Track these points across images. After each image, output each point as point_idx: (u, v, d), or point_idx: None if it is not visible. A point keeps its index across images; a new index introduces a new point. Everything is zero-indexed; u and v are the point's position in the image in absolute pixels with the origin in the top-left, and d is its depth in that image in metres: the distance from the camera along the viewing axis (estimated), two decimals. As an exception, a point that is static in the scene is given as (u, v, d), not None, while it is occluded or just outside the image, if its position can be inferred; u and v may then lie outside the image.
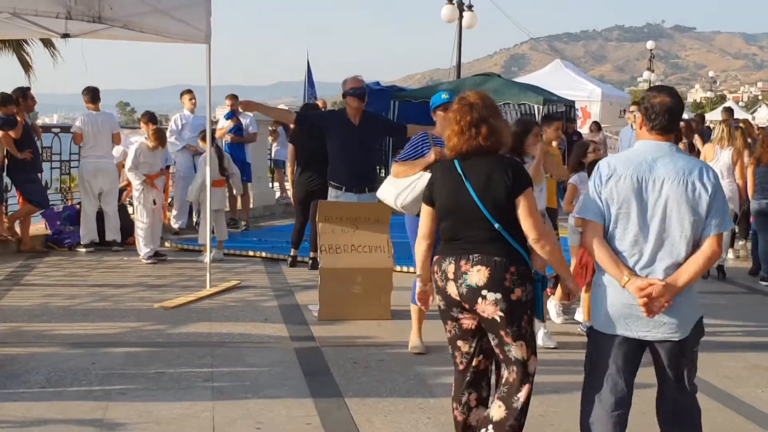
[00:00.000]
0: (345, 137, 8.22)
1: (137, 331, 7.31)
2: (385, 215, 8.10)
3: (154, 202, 10.63)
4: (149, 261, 10.36)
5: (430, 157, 6.28)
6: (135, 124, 16.87)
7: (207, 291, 8.74)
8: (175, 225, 12.86)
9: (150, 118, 11.60)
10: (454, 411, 4.50)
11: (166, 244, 11.57)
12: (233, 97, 13.75)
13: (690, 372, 4.11)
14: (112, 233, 11.35)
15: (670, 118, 4.01)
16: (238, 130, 13.54)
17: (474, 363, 4.44)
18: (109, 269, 10.08)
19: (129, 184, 11.40)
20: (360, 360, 6.54)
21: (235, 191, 11.52)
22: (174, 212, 13.01)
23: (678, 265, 3.92)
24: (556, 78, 26.62)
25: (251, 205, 14.56)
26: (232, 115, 13.43)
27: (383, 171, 15.74)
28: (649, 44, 54.64)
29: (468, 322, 4.36)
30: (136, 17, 7.85)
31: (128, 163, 10.63)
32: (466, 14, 24.95)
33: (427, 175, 5.47)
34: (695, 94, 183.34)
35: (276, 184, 17.10)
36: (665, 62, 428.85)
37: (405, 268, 9.68)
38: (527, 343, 4.27)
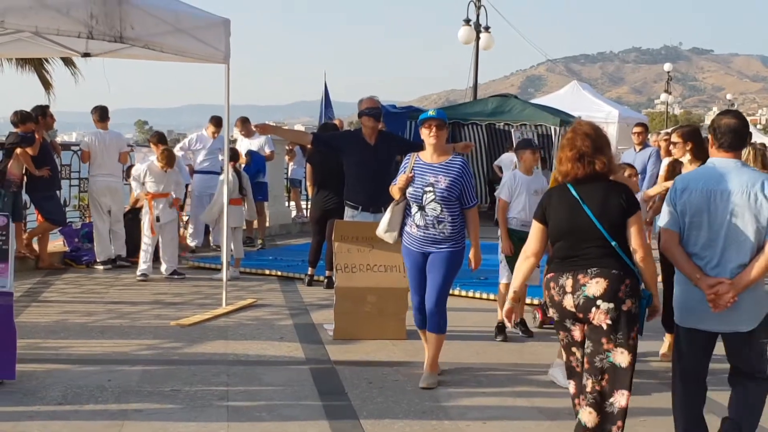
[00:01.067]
0: (361, 157, 8.25)
1: (153, 348, 7.33)
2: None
3: (158, 219, 10.66)
4: (141, 278, 10.45)
5: (396, 186, 6.54)
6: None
7: (223, 309, 8.76)
8: (191, 243, 12.91)
9: (159, 138, 11.61)
10: (576, 406, 4.88)
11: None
12: (244, 121, 13.84)
13: (759, 361, 4.73)
14: (118, 248, 11.44)
15: (735, 137, 4.67)
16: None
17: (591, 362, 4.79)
18: (127, 287, 10.12)
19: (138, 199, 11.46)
20: (375, 380, 6.53)
21: (246, 211, 11.55)
22: (190, 230, 13.05)
23: (743, 266, 4.54)
24: (574, 99, 26.58)
25: (267, 224, 14.59)
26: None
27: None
28: (667, 66, 54.56)
29: (578, 333, 4.77)
30: (156, 37, 7.89)
31: (133, 173, 10.79)
32: (483, 36, 24.98)
33: (403, 202, 6.42)
34: (713, 116, 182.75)
35: (293, 203, 17.14)
36: (683, 84, 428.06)
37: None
38: (630, 352, 4.61)
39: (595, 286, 4.55)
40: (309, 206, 11.19)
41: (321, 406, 5.92)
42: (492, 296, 9.30)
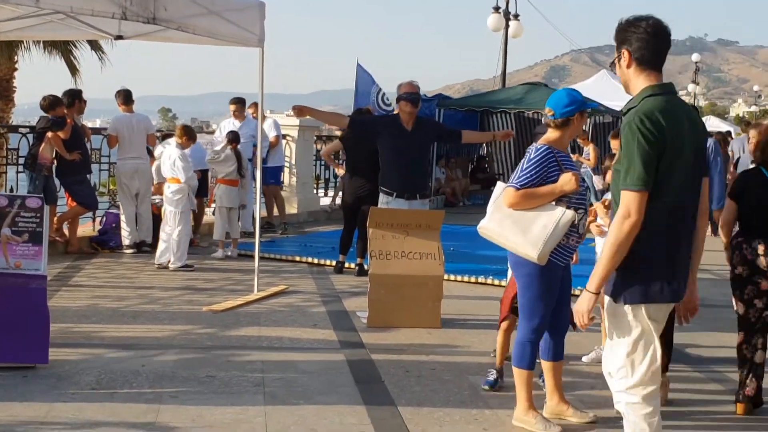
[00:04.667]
0: (397, 143, 8.13)
1: (187, 334, 7.26)
2: (436, 222, 8.00)
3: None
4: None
5: (565, 187, 5.07)
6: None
7: (255, 295, 8.68)
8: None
9: (186, 131, 11.44)
10: (744, 350, 5.78)
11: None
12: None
13: None
14: (143, 233, 11.38)
15: None
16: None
17: (763, 315, 5.76)
18: (157, 272, 10.05)
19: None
20: (412, 369, 6.42)
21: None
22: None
23: None
24: (602, 88, 26.26)
25: (296, 210, 14.51)
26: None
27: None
28: (695, 57, 54.23)
29: (765, 284, 5.68)
30: (190, 19, 7.82)
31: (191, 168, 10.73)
32: (512, 23, 24.81)
33: (570, 213, 5.03)
34: (738, 108, 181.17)
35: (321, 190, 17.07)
36: (708, 76, 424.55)
37: (455, 277, 9.59)
38: None
39: None
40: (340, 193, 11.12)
41: (358, 393, 5.83)
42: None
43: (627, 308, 3.84)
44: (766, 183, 5.77)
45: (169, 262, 10.24)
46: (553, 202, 5.07)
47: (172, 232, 10.29)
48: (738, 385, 5.82)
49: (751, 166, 6.78)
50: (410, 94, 8.16)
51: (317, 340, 7.21)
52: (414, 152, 8.13)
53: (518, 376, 5.27)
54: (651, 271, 3.81)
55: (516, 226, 5.03)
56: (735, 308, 5.85)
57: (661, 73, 3.93)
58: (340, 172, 11.76)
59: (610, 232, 3.82)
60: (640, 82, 3.90)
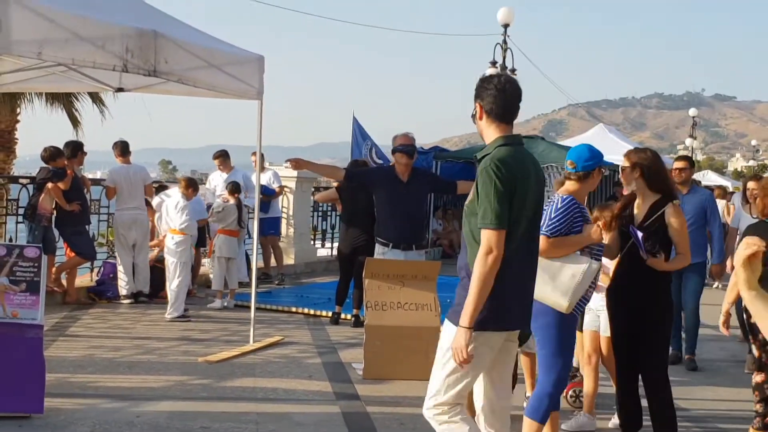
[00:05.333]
0: (393, 194, 8.20)
1: (182, 384, 7.25)
2: (432, 273, 8.04)
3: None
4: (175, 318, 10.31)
5: (591, 238, 5.20)
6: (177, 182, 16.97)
7: (251, 346, 8.68)
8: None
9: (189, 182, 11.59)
10: (765, 389, 6.04)
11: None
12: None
13: None
14: (141, 284, 11.40)
15: None
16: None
17: None
18: (153, 323, 10.06)
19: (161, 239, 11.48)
20: (407, 421, 6.39)
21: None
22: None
23: None
24: (600, 142, 26.31)
25: (293, 261, 14.54)
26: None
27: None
28: (692, 111, 54.56)
29: None
30: (190, 72, 7.91)
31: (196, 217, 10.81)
32: (509, 77, 25.04)
33: (597, 264, 5.17)
34: (736, 162, 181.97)
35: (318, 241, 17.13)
36: (705, 130, 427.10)
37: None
38: None
39: None
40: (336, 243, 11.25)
41: (353, 447, 5.81)
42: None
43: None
44: None
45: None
46: (578, 252, 5.17)
47: (169, 283, 10.34)
48: (757, 416, 6.18)
49: (754, 218, 7.02)
50: (405, 146, 8.25)
51: (312, 392, 7.19)
52: (410, 203, 8.19)
53: (529, 427, 5.18)
54: (492, 302, 4.12)
55: (544, 273, 5.00)
56: (751, 350, 6.30)
57: (510, 125, 4.38)
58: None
59: (475, 268, 4.11)
60: (491, 132, 4.34)
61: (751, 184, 8.46)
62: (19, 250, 6.17)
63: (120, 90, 9.48)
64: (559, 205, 5.22)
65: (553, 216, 5.17)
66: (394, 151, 8.35)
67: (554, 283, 5.08)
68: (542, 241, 4.94)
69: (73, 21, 6.48)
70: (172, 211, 10.55)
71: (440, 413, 4.31)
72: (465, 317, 4.08)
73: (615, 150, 25.72)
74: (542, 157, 18.92)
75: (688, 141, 54.63)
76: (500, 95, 4.30)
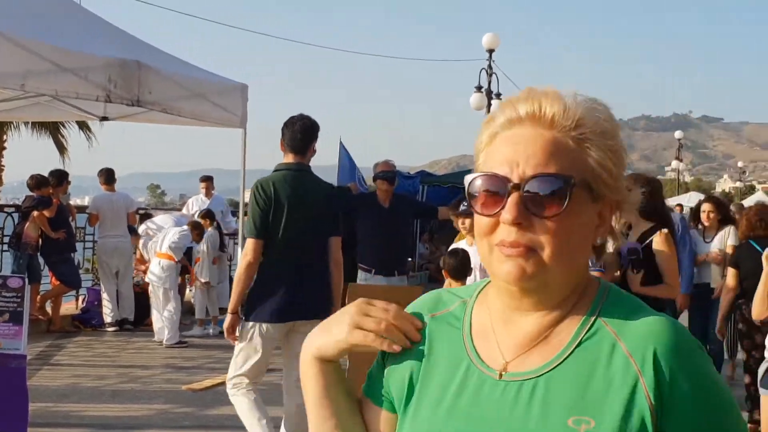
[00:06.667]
0: (375, 220, 8.25)
1: (165, 413, 7.27)
2: (414, 298, 8.04)
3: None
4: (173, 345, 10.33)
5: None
6: (165, 206, 17.01)
7: (235, 373, 8.69)
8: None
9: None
10: (752, 390, 6.54)
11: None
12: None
13: None
14: (125, 311, 11.44)
15: None
16: None
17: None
18: (138, 350, 10.08)
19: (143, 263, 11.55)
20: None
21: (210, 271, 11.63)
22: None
23: None
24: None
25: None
26: None
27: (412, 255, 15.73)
28: (677, 134, 54.72)
29: (759, 338, 6.23)
30: (174, 101, 7.97)
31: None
32: (494, 102, 25.20)
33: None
34: (723, 184, 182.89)
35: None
36: (693, 152, 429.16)
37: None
38: None
39: None
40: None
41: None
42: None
43: (248, 324, 5.36)
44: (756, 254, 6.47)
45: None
46: None
47: (162, 309, 10.36)
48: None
49: (706, 241, 7.37)
50: (386, 173, 8.32)
51: (298, 419, 7.21)
52: (391, 229, 8.24)
53: None
54: (264, 298, 5.29)
55: None
56: (740, 356, 7.26)
57: (298, 155, 5.45)
58: None
59: (237, 268, 5.43)
60: (282, 159, 5.48)
61: (706, 206, 8.46)
62: (2, 281, 6.18)
63: (104, 119, 9.55)
64: None
65: None
66: (374, 178, 8.42)
67: None
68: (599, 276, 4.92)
69: (55, 53, 6.54)
70: (169, 237, 10.62)
71: (231, 387, 5.56)
72: (231, 305, 5.39)
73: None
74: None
75: (675, 163, 54.84)
76: (288, 132, 5.46)
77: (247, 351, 5.42)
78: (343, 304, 7.88)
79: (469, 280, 6.03)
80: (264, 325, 5.34)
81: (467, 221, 6.81)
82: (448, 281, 6.06)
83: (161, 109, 7.91)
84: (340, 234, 5.70)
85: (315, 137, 5.60)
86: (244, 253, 5.24)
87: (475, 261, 6.28)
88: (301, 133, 5.43)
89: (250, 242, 5.21)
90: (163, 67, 7.83)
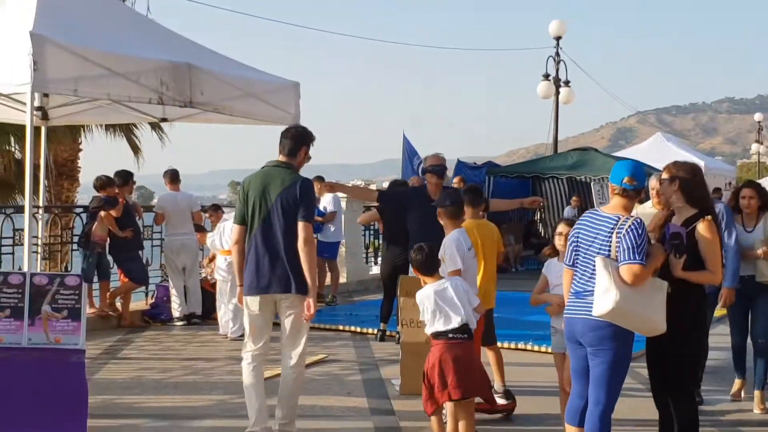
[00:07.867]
0: (424, 213, 8.32)
1: (224, 403, 7.49)
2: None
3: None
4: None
5: (661, 257, 5.37)
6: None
7: (294, 365, 8.86)
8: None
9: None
10: None
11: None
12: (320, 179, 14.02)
13: None
14: (193, 306, 11.74)
15: None
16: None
17: None
18: (203, 343, 10.36)
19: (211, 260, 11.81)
20: (438, 435, 6.53)
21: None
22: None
23: None
24: (657, 151, 26.36)
25: (345, 280, 14.75)
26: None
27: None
28: (757, 116, 53.42)
29: None
30: (226, 101, 8.16)
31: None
32: (562, 90, 25.02)
33: (666, 283, 5.24)
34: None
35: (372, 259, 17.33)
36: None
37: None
38: None
39: None
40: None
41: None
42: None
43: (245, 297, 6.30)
44: None
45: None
46: None
47: (228, 303, 10.60)
48: None
49: (748, 231, 7.13)
50: (435, 167, 8.41)
51: (349, 408, 7.38)
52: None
53: None
54: (246, 275, 6.23)
55: (643, 300, 5.11)
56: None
57: (288, 156, 6.28)
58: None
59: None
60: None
61: (746, 191, 7.74)
62: (60, 279, 6.45)
63: (164, 120, 9.84)
64: (640, 231, 5.13)
65: (639, 243, 5.09)
66: (424, 172, 8.52)
67: (654, 309, 5.14)
68: (640, 270, 5.05)
69: (106, 57, 6.81)
70: (226, 233, 10.82)
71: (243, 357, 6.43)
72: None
73: (672, 158, 25.51)
74: (594, 169, 19.05)
75: (755, 146, 53.48)
76: (281, 137, 6.36)
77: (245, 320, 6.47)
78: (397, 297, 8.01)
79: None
80: (247, 297, 6.27)
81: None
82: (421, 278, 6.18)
83: (213, 109, 8.14)
84: (309, 220, 6.18)
85: (305, 143, 6.33)
86: (232, 239, 6.59)
87: (443, 251, 6.57)
88: (292, 138, 6.31)
89: (233, 228, 6.43)
90: (214, 67, 8.04)
